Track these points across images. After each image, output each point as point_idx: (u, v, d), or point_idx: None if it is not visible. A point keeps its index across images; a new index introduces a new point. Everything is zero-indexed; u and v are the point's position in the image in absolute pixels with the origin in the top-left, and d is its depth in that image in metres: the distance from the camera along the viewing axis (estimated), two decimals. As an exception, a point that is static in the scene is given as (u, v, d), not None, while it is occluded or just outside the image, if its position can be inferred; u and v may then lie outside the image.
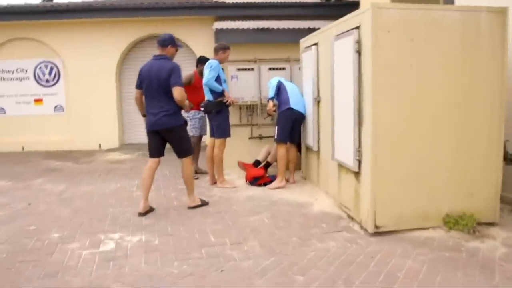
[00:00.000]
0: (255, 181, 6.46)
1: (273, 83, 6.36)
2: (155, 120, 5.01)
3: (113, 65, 10.88)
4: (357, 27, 4.28)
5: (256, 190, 6.16)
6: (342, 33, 4.62)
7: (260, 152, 7.15)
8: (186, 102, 5.09)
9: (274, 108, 6.35)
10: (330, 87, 5.15)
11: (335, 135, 5.01)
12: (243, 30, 7.63)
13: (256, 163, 7.08)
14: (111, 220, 4.88)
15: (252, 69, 7.72)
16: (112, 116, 10.96)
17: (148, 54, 11.43)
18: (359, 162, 4.39)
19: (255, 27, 7.63)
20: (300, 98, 6.32)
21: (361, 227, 4.41)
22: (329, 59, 5.18)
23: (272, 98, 6.29)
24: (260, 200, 5.62)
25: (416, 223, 4.25)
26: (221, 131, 6.29)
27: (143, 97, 5.16)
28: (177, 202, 5.60)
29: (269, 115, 6.64)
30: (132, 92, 11.27)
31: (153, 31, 10.80)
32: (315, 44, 5.79)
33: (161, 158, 5.29)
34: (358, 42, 4.25)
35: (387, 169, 4.15)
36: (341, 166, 4.97)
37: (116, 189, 6.41)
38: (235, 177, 7.07)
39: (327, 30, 5.38)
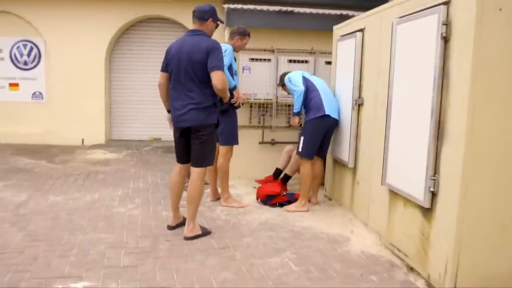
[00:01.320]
0: (268, 200, 5.13)
1: (296, 83, 4.94)
2: (181, 115, 3.84)
3: (103, 49, 9.44)
4: (445, 2, 2.95)
5: (271, 212, 4.84)
6: (416, 12, 3.28)
7: (278, 159, 5.83)
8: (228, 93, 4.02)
9: (299, 123, 5.10)
10: (383, 87, 3.85)
11: (389, 152, 3.69)
12: (260, 11, 6.27)
13: (277, 173, 5.76)
14: (77, 255, 3.50)
15: (269, 60, 6.39)
16: (98, 107, 9.52)
17: (145, 39, 10.27)
18: (433, 194, 3.09)
19: (275, 10, 6.27)
20: (333, 99, 4.99)
21: (429, 284, 3.12)
22: (382, 49, 3.89)
23: (298, 113, 4.97)
24: (279, 229, 4.29)
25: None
26: (227, 137, 4.95)
27: (169, 84, 3.97)
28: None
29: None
30: (123, 81, 9.99)
31: (151, 12, 9.41)
32: (360, 30, 4.46)
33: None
34: (446, 24, 2.93)
35: (480, 207, 2.85)
36: (395, 194, 3.66)
37: (92, 202, 5.03)
38: (242, 191, 5.73)
39: (382, 11, 4.05)
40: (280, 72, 6.23)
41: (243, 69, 6.30)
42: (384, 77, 3.87)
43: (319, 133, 4.85)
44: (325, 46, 6.30)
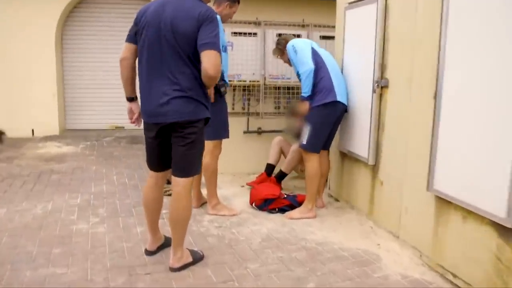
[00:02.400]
0: (265, 204, 4.20)
1: (303, 57, 3.90)
2: (159, 106, 2.74)
3: (52, 27, 8.15)
4: None
5: (271, 222, 3.93)
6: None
7: (265, 151, 4.92)
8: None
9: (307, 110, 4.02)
10: (425, 65, 2.96)
11: (438, 149, 2.81)
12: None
13: (269, 169, 4.83)
14: (22, 308, 2.49)
15: (255, 34, 5.40)
16: (50, 92, 8.26)
17: (101, 13, 8.75)
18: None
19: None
20: (343, 80, 4.06)
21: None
22: (423, 16, 2.99)
23: (309, 97, 3.92)
24: (288, 247, 3.38)
25: None
26: (215, 129, 3.88)
27: (137, 61, 2.86)
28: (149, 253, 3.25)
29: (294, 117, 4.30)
30: (78, 62, 8.69)
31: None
32: (383, -7, 3.54)
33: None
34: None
35: None
36: (447, 204, 2.80)
37: (44, 216, 3.95)
38: (228, 192, 4.81)
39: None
40: (269, 49, 5.28)
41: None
42: (427, 52, 2.98)
43: (328, 123, 3.93)
44: (319, 18, 5.51)
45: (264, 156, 5.22)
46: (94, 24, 8.69)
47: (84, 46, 8.74)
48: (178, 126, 2.76)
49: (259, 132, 5.69)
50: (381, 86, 3.60)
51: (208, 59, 2.61)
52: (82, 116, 8.94)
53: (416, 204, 3.18)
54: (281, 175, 4.78)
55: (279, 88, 5.60)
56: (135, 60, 2.88)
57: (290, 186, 5.06)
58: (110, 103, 8.75)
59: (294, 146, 4.64)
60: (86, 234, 3.56)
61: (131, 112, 3.03)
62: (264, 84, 5.47)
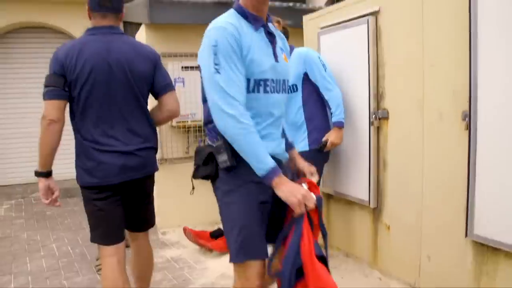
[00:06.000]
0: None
1: (331, 76, 3.26)
2: (136, 163, 2.39)
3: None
4: None
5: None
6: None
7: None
8: None
9: None
10: (442, 89, 2.56)
11: (477, 190, 2.38)
12: (195, 4, 4.66)
13: (217, 232, 4.15)
14: None
15: (208, 67, 4.82)
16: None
17: (20, 56, 7.90)
18: None
19: (213, 1, 4.71)
20: None
21: None
22: (429, 33, 2.60)
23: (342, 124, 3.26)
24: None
25: None
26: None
27: (78, 116, 2.33)
28: None
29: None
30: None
31: (30, 19, 7.25)
32: (372, 14, 3.13)
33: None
34: None
35: None
36: (495, 251, 2.36)
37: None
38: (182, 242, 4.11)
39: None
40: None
41: (175, 81, 4.66)
42: (449, 76, 2.58)
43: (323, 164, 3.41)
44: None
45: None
46: (13, 65, 7.68)
47: (4, 90, 7.68)
48: (148, 180, 2.54)
49: (219, 175, 5.07)
50: (378, 118, 3.15)
51: (173, 100, 2.52)
52: (5, 170, 7.77)
53: (444, 251, 2.72)
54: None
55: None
56: (62, 122, 2.28)
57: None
58: (35, 153, 7.65)
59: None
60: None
61: (48, 190, 2.37)
62: (223, 122, 4.90)
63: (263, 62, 1.84)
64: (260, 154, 1.74)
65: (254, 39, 1.84)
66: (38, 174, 2.33)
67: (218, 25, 1.80)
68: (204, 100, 1.91)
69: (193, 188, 2.13)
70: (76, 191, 6.23)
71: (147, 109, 2.48)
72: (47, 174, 2.34)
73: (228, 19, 1.83)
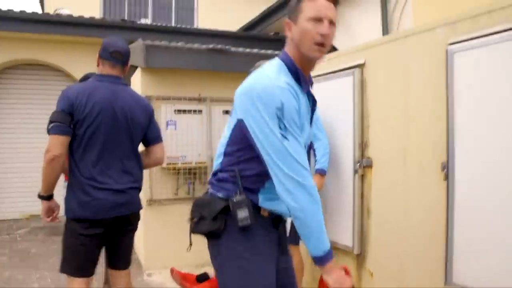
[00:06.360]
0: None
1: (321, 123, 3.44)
2: (125, 200, 2.63)
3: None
4: None
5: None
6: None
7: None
8: None
9: None
10: (423, 138, 2.67)
11: (455, 237, 2.46)
12: (189, 50, 4.83)
13: (203, 276, 4.12)
14: None
15: (200, 111, 4.95)
16: None
17: (16, 92, 7.92)
18: None
19: (208, 47, 4.89)
20: None
21: None
22: (411, 85, 2.74)
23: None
24: None
25: None
26: None
27: (81, 152, 2.55)
28: None
29: None
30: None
31: (26, 56, 7.41)
32: (358, 66, 3.28)
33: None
34: None
35: None
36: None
37: None
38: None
39: (404, 37, 2.93)
40: (214, 126, 4.88)
41: (167, 124, 4.77)
42: (427, 128, 2.70)
43: None
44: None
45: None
46: (8, 100, 7.74)
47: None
48: (130, 218, 2.71)
49: (207, 218, 5.09)
50: (363, 165, 3.25)
51: (161, 150, 2.84)
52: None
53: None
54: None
55: (227, 168, 5.13)
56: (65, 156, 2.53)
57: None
58: (22, 188, 7.64)
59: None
60: None
61: (50, 210, 2.63)
62: (212, 166, 4.97)
63: (305, 130, 1.74)
64: (324, 233, 1.61)
65: (302, 103, 1.72)
66: (40, 197, 2.57)
67: (277, 84, 1.62)
68: (227, 154, 1.79)
69: (190, 244, 1.95)
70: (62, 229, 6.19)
71: (139, 153, 2.76)
72: (49, 197, 2.58)
73: (283, 77, 1.67)
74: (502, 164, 2.20)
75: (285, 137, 1.59)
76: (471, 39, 2.36)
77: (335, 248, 3.56)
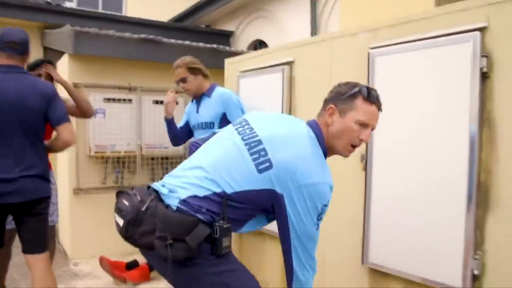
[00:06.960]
0: None
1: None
2: (14, 189, 2.71)
3: None
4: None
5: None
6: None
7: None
8: None
9: None
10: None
11: (372, 221, 2.77)
12: (120, 38, 4.81)
13: (133, 264, 4.23)
14: None
15: (130, 100, 4.96)
16: None
17: None
18: (474, 277, 2.26)
19: (140, 37, 4.89)
20: None
21: None
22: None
23: None
24: None
25: None
26: None
27: None
28: None
29: None
30: None
31: None
32: (287, 64, 3.51)
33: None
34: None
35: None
36: (385, 276, 2.74)
37: None
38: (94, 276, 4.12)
39: (330, 39, 3.19)
40: (145, 116, 4.92)
41: (96, 112, 4.72)
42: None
43: None
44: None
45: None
46: None
47: None
48: (29, 205, 2.78)
49: (135, 207, 5.12)
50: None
51: (68, 131, 2.86)
52: None
53: (344, 278, 3.06)
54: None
55: (155, 158, 5.18)
56: None
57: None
58: None
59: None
60: None
61: None
62: (141, 155, 5.01)
63: None
64: None
65: None
66: None
67: (329, 184, 1.76)
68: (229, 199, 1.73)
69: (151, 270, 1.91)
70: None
71: (37, 141, 2.84)
72: None
73: (328, 171, 1.79)
74: (412, 158, 2.52)
75: (317, 229, 1.80)
76: (389, 45, 2.65)
77: (262, 233, 3.79)
